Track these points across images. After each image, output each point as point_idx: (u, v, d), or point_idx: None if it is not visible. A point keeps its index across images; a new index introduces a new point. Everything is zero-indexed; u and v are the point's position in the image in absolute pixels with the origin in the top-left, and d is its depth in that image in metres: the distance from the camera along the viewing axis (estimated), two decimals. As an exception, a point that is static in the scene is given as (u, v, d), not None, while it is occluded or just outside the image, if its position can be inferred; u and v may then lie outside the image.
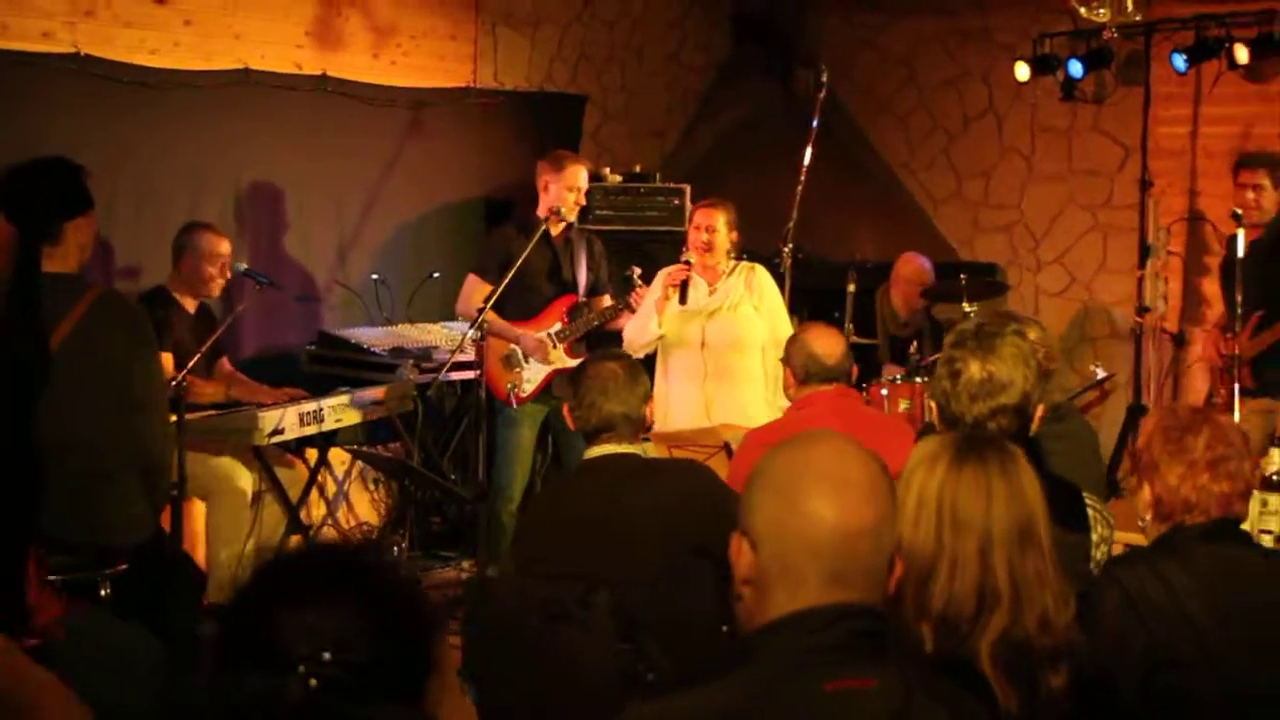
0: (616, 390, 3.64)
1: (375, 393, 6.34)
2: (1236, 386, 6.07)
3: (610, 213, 7.59)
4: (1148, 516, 2.76)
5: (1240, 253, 6.16)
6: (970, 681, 2.07)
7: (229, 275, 6.11)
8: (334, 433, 6.28)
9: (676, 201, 7.61)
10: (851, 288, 6.75)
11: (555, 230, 6.28)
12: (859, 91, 9.26)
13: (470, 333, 5.99)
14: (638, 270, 6.28)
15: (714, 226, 6.05)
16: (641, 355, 5.73)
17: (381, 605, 1.59)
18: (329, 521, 7.05)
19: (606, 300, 6.46)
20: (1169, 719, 2.53)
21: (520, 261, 6.03)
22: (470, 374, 6.48)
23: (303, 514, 6.35)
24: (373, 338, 6.85)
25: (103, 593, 3.75)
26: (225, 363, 6.30)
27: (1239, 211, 6.24)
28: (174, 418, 4.73)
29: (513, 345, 6.24)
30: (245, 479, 5.92)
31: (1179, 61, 7.70)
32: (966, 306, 6.93)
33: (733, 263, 6.13)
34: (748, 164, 8.47)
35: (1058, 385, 7.21)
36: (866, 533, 1.81)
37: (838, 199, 8.12)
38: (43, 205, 3.81)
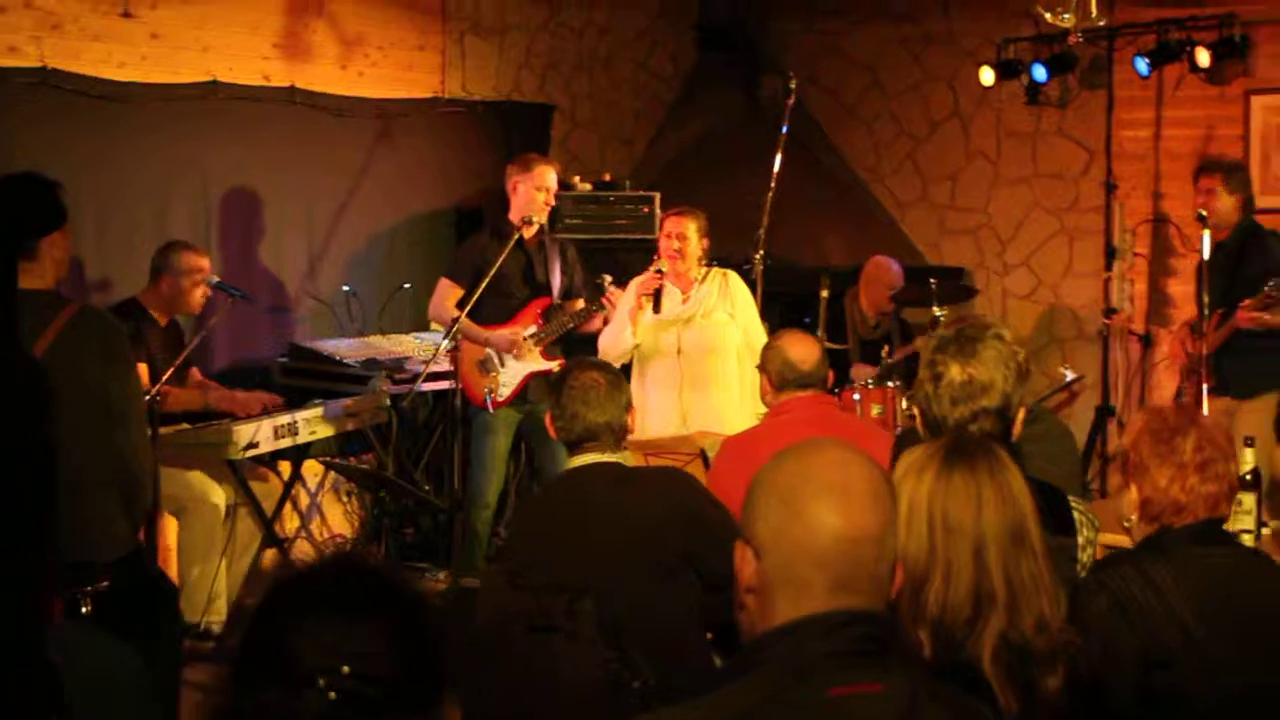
0: (598, 400, 3.65)
1: (349, 404, 6.32)
2: (1205, 387, 6.13)
3: (580, 221, 7.59)
4: (1134, 517, 2.78)
5: (1205, 254, 6.22)
6: (970, 685, 2.09)
7: (209, 293, 6.09)
8: (307, 445, 6.27)
9: (646, 209, 7.63)
10: (824, 293, 6.78)
11: (528, 234, 6.30)
12: (824, 97, 9.31)
13: (444, 343, 6.00)
14: (609, 278, 6.30)
15: (685, 234, 6.08)
16: (617, 365, 5.74)
17: (398, 618, 1.59)
18: (302, 534, 7.02)
19: (580, 303, 6.47)
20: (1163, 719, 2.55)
21: (494, 266, 6.05)
22: (443, 384, 6.48)
23: (276, 527, 6.33)
24: (345, 349, 6.84)
25: (84, 609, 3.73)
26: (195, 372, 6.28)
27: (1204, 213, 6.30)
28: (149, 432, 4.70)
29: (487, 350, 6.25)
30: (219, 493, 5.89)
31: (1142, 65, 7.79)
32: (936, 310, 6.98)
33: (705, 270, 6.16)
34: (716, 171, 8.50)
35: (1028, 388, 7.25)
36: (870, 540, 1.83)
37: (805, 204, 8.15)
38: (17, 221, 3.77)
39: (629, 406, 3.75)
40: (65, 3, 6.29)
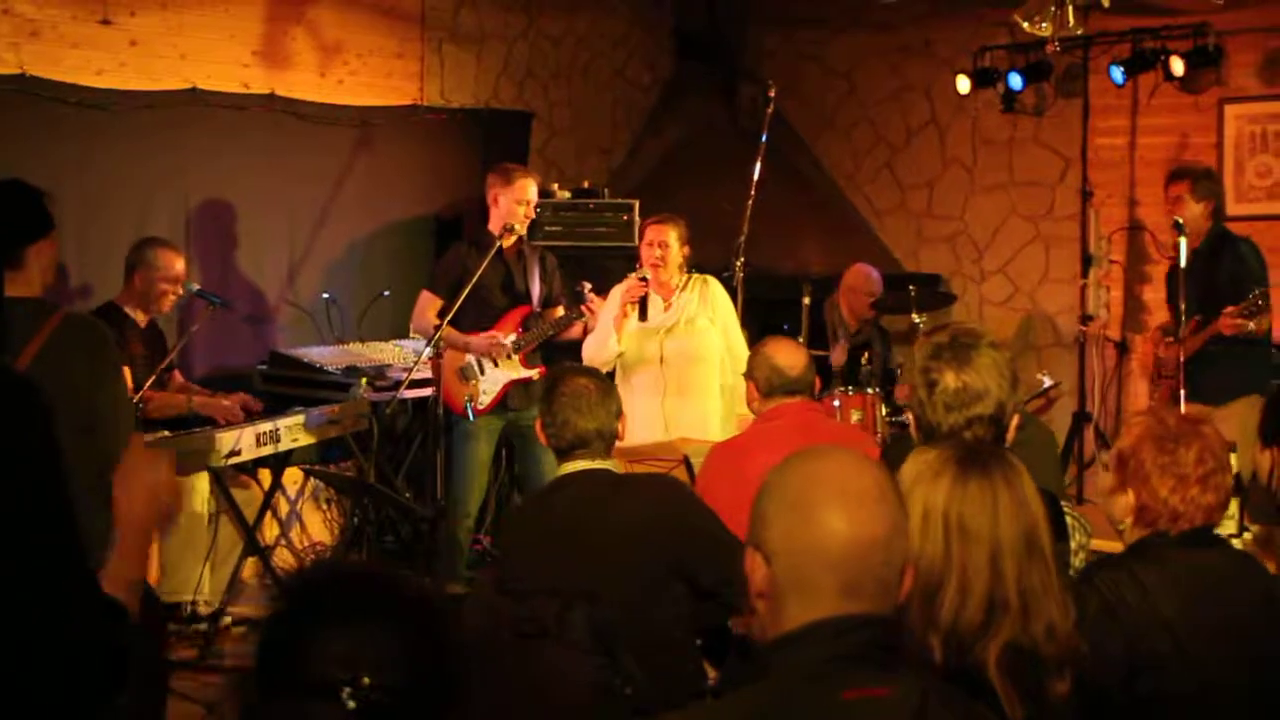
0: (589, 407, 3.66)
1: (331, 412, 6.31)
2: (1183, 393, 6.18)
3: (559, 228, 7.60)
4: (1128, 521, 2.80)
5: (1183, 261, 6.27)
6: (977, 690, 2.10)
7: (181, 292, 6.07)
8: (288, 453, 6.25)
9: (626, 217, 7.64)
10: (806, 300, 6.80)
11: (508, 243, 6.30)
12: (802, 106, 9.34)
13: (426, 350, 5.99)
14: (588, 285, 6.30)
15: (666, 242, 6.09)
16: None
17: (413, 624, 1.60)
18: (282, 542, 7.00)
19: (560, 311, 6.47)
20: (1151, 720, 2.58)
21: (475, 277, 6.05)
22: (424, 391, 6.47)
23: (256, 535, 6.31)
24: (325, 357, 6.83)
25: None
26: (177, 375, 6.28)
27: (1180, 220, 6.35)
28: (137, 438, 4.68)
29: (467, 357, 6.24)
30: (201, 500, 5.89)
31: (1117, 74, 7.86)
32: (915, 317, 7.01)
33: (685, 277, 6.17)
34: (694, 179, 8.53)
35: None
36: (879, 544, 1.84)
37: (782, 212, 8.18)
38: (2, 229, 3.77)
39: (620, 413, 3.76)
40: (44, 10, 6.28)
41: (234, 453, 5.72)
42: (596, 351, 6.05)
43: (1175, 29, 7.82)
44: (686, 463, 5.11)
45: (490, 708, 3.66)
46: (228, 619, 5.95)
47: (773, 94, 6.70)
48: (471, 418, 6.20)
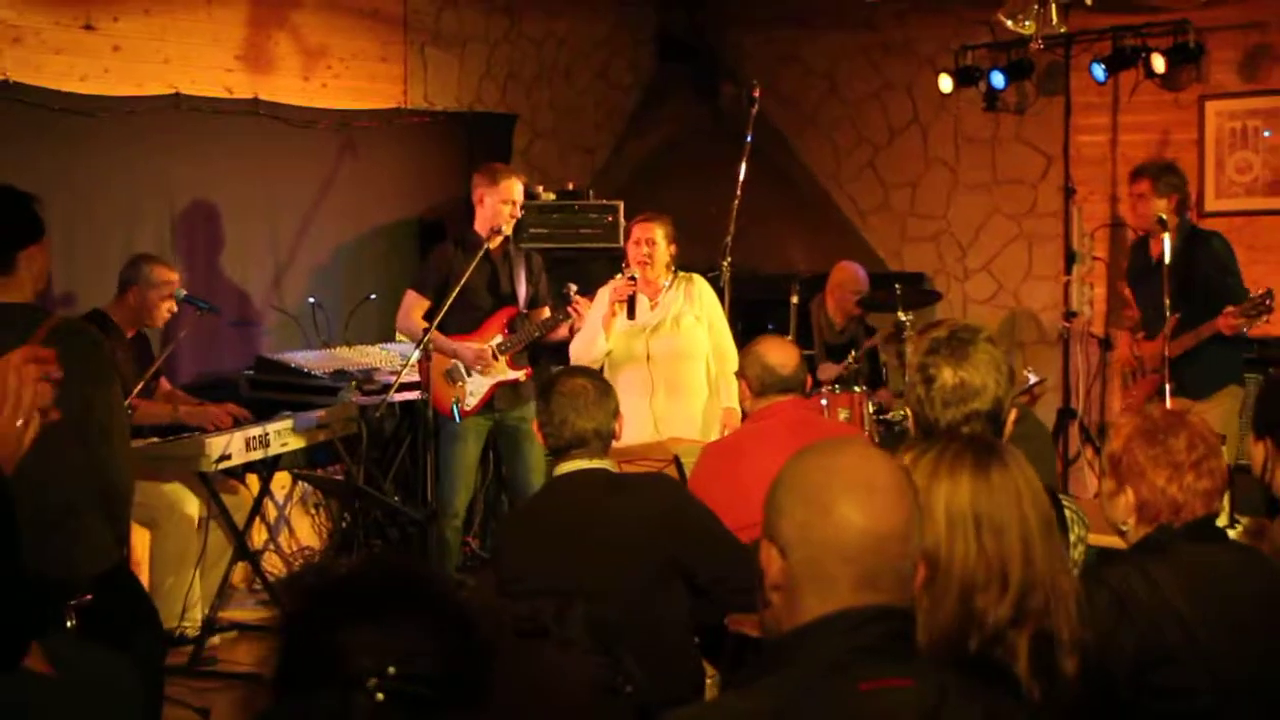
0: (587, 406, 3.67)
1: (321, 415, 6.30)
2: (1168, 388, 6.20)
3: (545, 230, 7.61)
4: (1130, 521, 2.80)
5: (1167, 258, 6.28)
6: (995, 676, 2.11)
7: (175, 308, 6.07)
8: (277, 457, 6.24)
9: (610, 218, 7.65)
10: (794, 299, 6.81)
11: (494, 245, 6.29)
12: (784, 105, 9.36)
13: (415, 353, 5.99)
14: (574, 286, 6.30)
15: (653, 240, 6.10)
16: (590, 373, 5.76)
17: (440, 616, 1.60)
18: (271, 546, 6.99)
19: (546, 312, 6.47)
20: (1163, 714, 2.58)
21: (461, 279, 6.05)
22: (412, 395, 6.47)
23: (245, 540, 6.30)
24: (312, 361, 6.82)
25: (69, 623, 3.70)
26: (164, 382, 6.26)
27: (1164, 217, 6.36)
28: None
29: (453, 360, 6.24)
30: (192, 505, 5.87)
31: (1098, 71, 7.89)
32: (901, 315, 7.03)
33: (671, 275, 6.19)
34: (677, 180, 8.55)
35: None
36: (896, 536, 1.85)
37: (766, 212, 8.19)
38: (-8, 235, 3.76)
39: (617, 413, 3.77)
40: (26, 15, 6.25)
41: (224, 457, 5.70)
42: (584, 350, 6.06)
43: (1156, 26, 7.87)
44: (677, 462, 5.12)
45: (490, 707, 3.67)
46: (216, 639, 5.93)
47: (757, 94, 6.71)
48: (458, 419, 6.20)
